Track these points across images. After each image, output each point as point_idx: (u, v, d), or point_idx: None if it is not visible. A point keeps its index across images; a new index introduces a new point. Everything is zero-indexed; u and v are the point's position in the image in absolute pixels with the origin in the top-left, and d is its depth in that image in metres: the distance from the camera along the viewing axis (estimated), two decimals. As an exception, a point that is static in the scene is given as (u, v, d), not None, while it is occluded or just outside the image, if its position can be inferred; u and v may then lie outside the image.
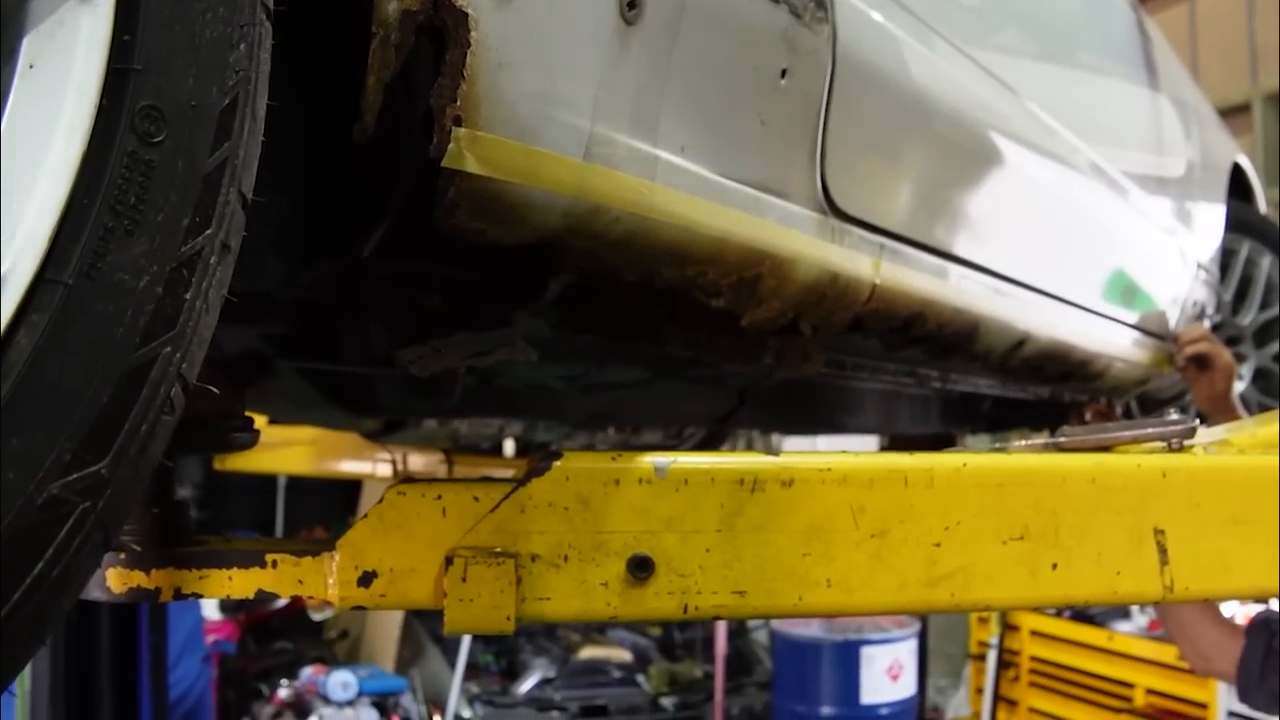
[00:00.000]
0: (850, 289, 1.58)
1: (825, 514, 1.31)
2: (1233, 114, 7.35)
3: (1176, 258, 2.95)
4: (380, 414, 1.98)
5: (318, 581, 1.28)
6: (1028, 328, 2.09)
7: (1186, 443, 1.47)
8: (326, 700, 6.23)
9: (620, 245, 1.26)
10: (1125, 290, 2.66)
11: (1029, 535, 1.35)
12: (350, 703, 6.25)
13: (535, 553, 1.25)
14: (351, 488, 9.60)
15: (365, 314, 1.39)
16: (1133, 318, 2.70)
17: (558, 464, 1.27)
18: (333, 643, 8.68)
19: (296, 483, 11.18)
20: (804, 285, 1.49)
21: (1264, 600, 2.72)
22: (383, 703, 6.40)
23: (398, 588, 1.24)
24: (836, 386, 2.18)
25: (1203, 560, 1.41)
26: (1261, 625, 2.61)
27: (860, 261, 1.60)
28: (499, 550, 1.24)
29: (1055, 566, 1.35)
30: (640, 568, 1.27)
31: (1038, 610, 6.87)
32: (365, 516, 1.25)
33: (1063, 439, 1.47)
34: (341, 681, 6.26)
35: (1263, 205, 4.01)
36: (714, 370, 1.87)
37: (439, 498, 1.26)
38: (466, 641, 6.67)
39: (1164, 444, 1.47)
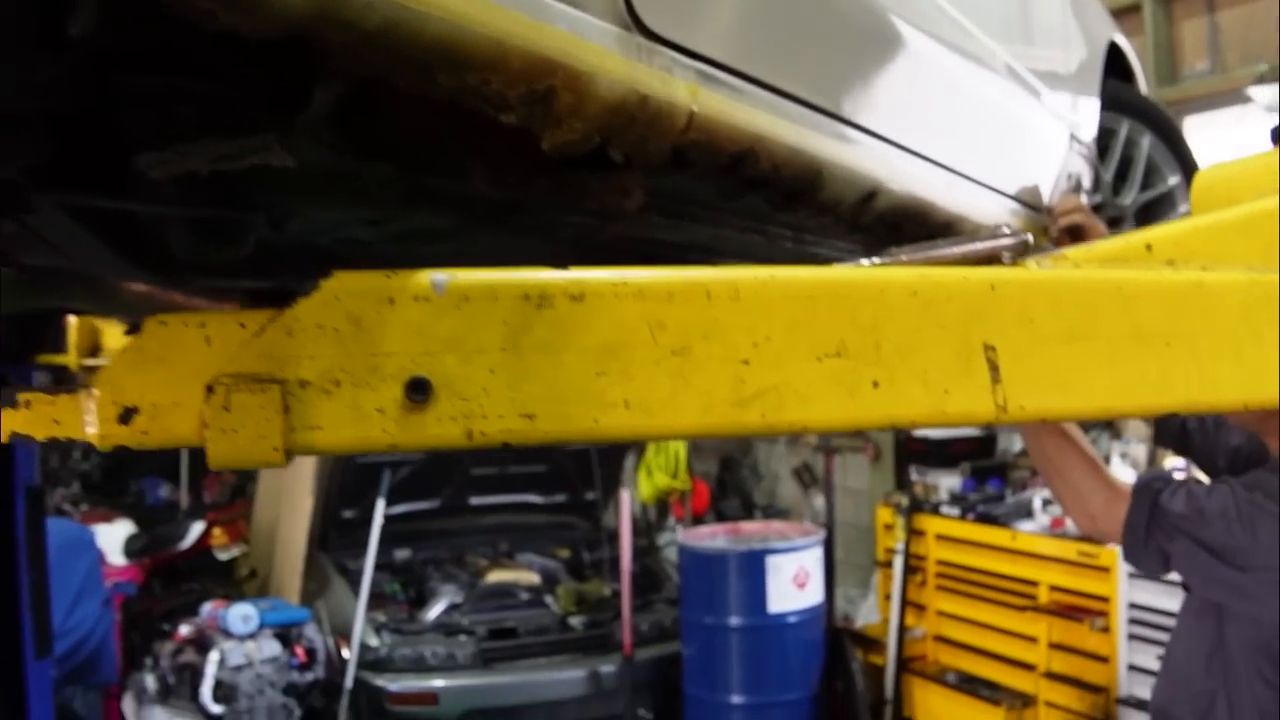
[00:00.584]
0: (664, 114, 1.44)
1: (621, 330, 1.19)
2: (1123, 14, 7.30)
3: (1051, 127, 2.85)
4: (174, 270, 1.84)
5: (74, 421, 1.16)
6: (879, 179, 1.97)
7: (1021, 259, 1.37)
8: (228, 634, 6.09)
9: (380, 40, 1.12)
10: (994, 153, 2.56)
11: (846, 352, 1.24)
12: (252, 635, 6.12)
13: (304, 379, 1.13)
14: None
15: (120, 136, 1.25)
16: (1003, 184, 2.61)
17: (326, 283, 1.15)
18: (242, 582, 8.53)
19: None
20: (607, 105, 1.36)
21: (1105, 422, 2.66)
22: (285, 634, 6.28)
23: (160, 424, 1.12)
24: (679, 245, 2.05)
25: (1038, 378, 1.31)
26: (1145, 487, 2.55)
27: (674, 86, 1.46)
28: (263, 376, 1.11)
29: (876, 385, 1.25)
30: (417, 390, 1.15)
31: (943, 515, 6.88)
32: (124, 350, 1.12)
33: (887, 258, 1.36)
34: (242, 615, 6.12)
35: (1144, 87, 3.93)
36: (538, 219, 1.74)
37: (203, 325, 1.14)
38: (369, 569, 6.54)
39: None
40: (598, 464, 7.53)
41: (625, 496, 6.74)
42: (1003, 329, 1.30)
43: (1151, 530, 2.51)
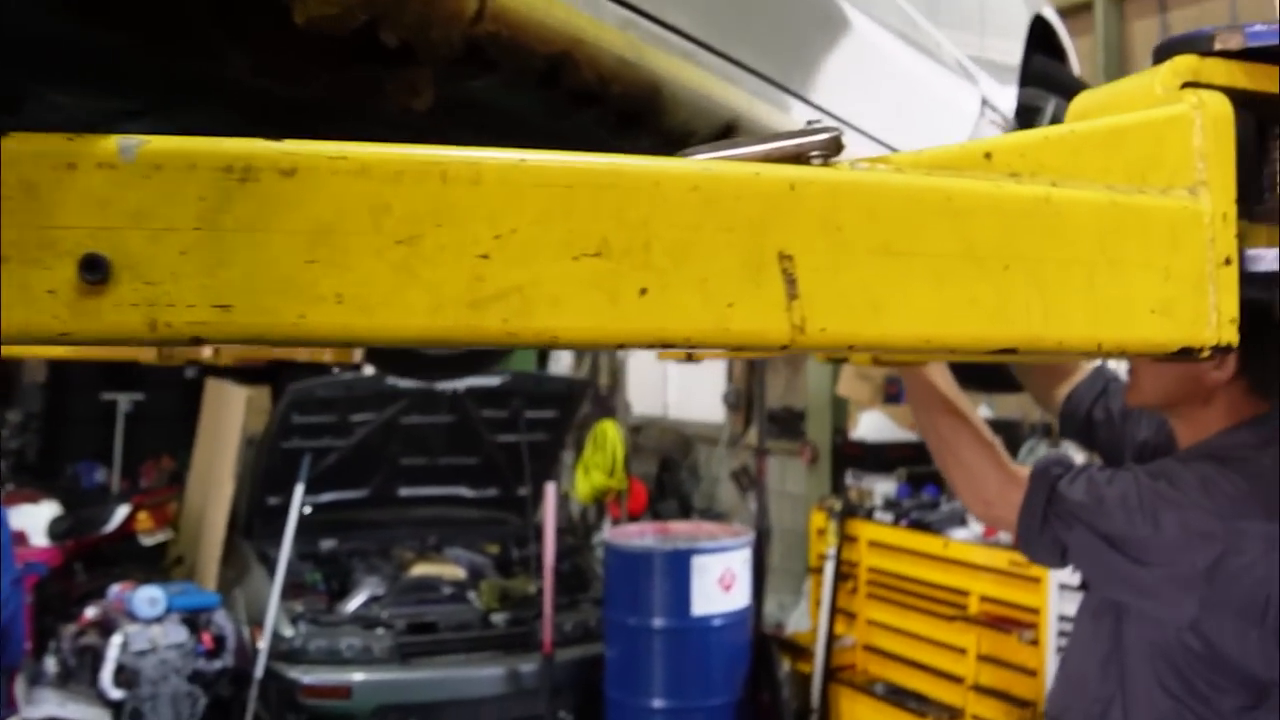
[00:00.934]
0: (445, -1, 1.25)
1: (338, 212, 1.00)
2: (1074, 13, 7.16)
3: (957, 88, 2.68)
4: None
5: None
6: (739, 110, 1.79)
7: (833, 160, 1.18)
8: (133, 618, 5.86)
9: None
10: (879, 101, 2.38)
11: (609, 252, 1.05)
12: (159, 619, 5.89)
13: (-32, 252, 0.93)
14: (193, 417, 9.21)
15: None
16: (894, 139, 2.44)
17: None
18: (169, 568, 8.31)
19: (139, 412, 10.76)
20: (366, -26, 1.17)
21: (1044, 429, 2.49)
22: (194, 620, 6.06)
23: None
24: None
25: (845, 297, 1.12)
26: (1043, 472, 2.37)
27: (455, -34, 1.27)
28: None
29: (644, 292, 1.06)
30: (92, 269, 0.95)
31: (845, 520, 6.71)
32: None
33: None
34: (148, 597, 5.90)
35: (1076, 68, 3.78)
36: (334, 125, 1.54)
37: None
38: (285, 556, 6.34)
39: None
40: (529, 458, 7.32)
41: (550, 490, 6.54)
42: (803, 237, 1.11)
43: (1048, 518, 2.33)
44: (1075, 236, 1.23)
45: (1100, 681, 2.44)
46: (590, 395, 10.24)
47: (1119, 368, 2.88)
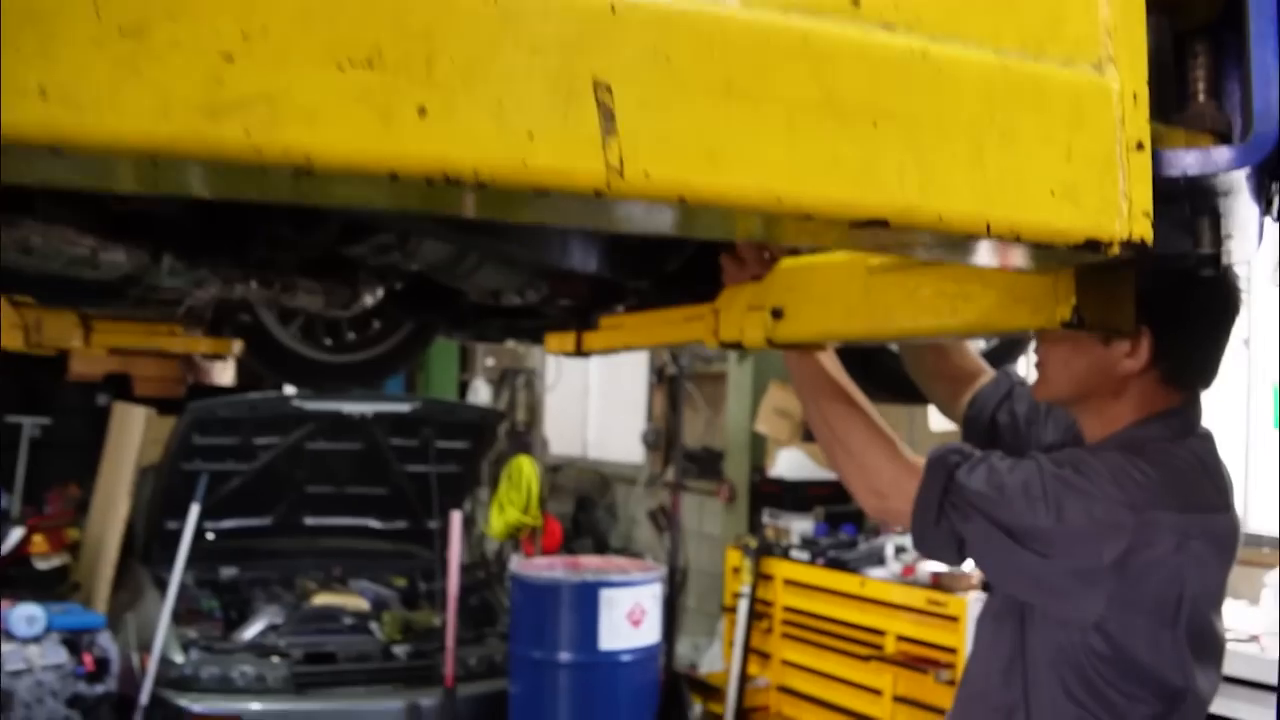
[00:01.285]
0: None
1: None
2: None
3: None
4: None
5: None
6: None
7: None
8: (10, 636, 5.54)
9: None
10: None
11: (383, 62, 0.86)
12: (37, 639, 5.57)
13: None
14: (103, 445, 8.87)
15: None
16: None
17: None
18: (67, 594, 7.95)
19: (47, 438, 10.37)
20: None
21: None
22: (76, 641, 5.74)
23: None
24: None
25: (673, 138, 0.94)
26: (939, 460, 2.18)
27: None
28: None
29: (423, 112, 0.87)
30: None
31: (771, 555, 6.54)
32: None
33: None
34: (26, 615, 5.59)
35: None
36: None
37: None
38: (176, 578, 6.05)
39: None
40: (439, 490, 7.08)
41: (455, 519, 6.31)
42: (625, 65, 0.93)
43: (944, 509, 2.14)
44: (959, 100, 1.06)
45: (1002, 690, 2.25)
46: (507, 431, 10.03)
47: (1026, 372, 2.72)
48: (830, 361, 2.36)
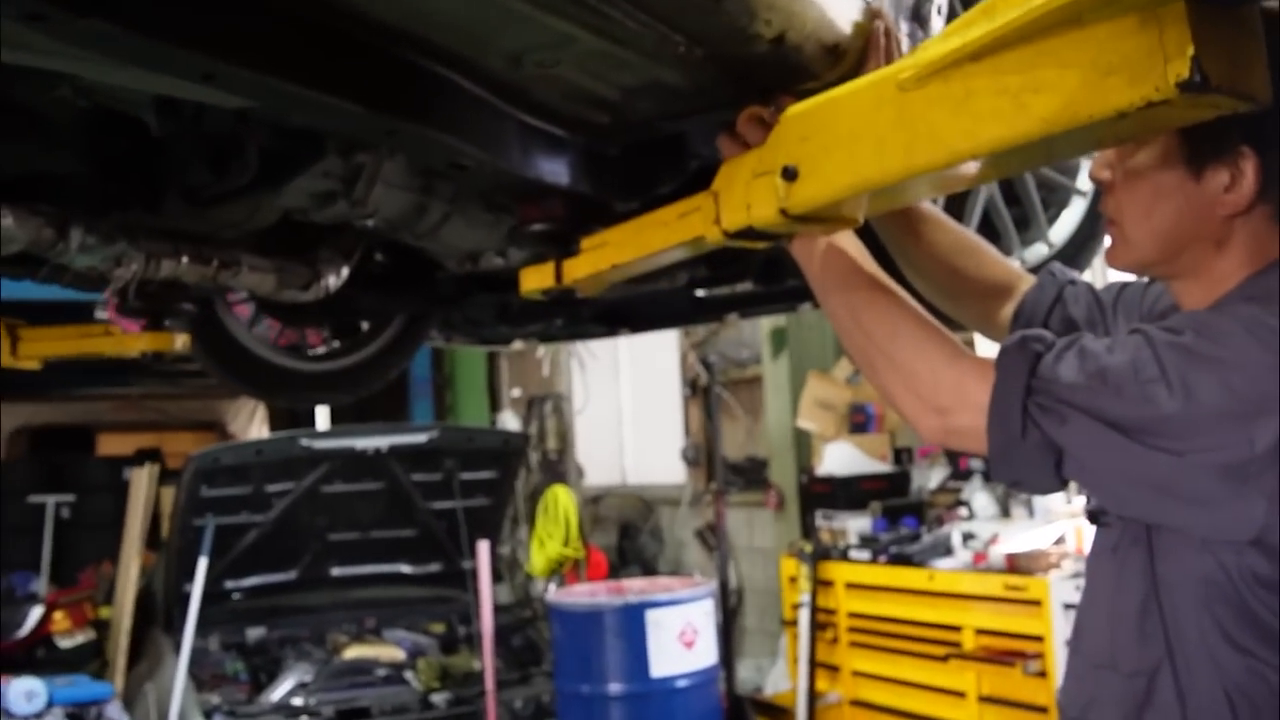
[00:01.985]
0: None
1: None
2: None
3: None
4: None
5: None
6: None
7: None
8: (8, 714, 5.07)
9: None
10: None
11: None
12: (39, 715, 5.09)
13: None
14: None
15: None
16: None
17: None
18: (97, 671, 7.51)
19: (75, 518, 10.01)
20: None
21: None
22: (82, 715, 5.26)
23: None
24: None
25: None
26: (1016, 349, 1.62)
27: None
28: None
29: None
30: None
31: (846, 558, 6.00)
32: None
33: None
34: (25, 690, 5.14)
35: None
36: None
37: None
38: (188, 640, 5.60)
39: None
40: (469, 525, 6.56)
41: (483, 550, 5.81)
42: None
43: (1030, 414, 1.58)
44: None
45: (1137, 648, 1.68)
46: (539, 461, 9.51)
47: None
48: (854, 246, 1.84)
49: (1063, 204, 2.74)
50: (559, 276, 2.24)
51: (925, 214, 2.06)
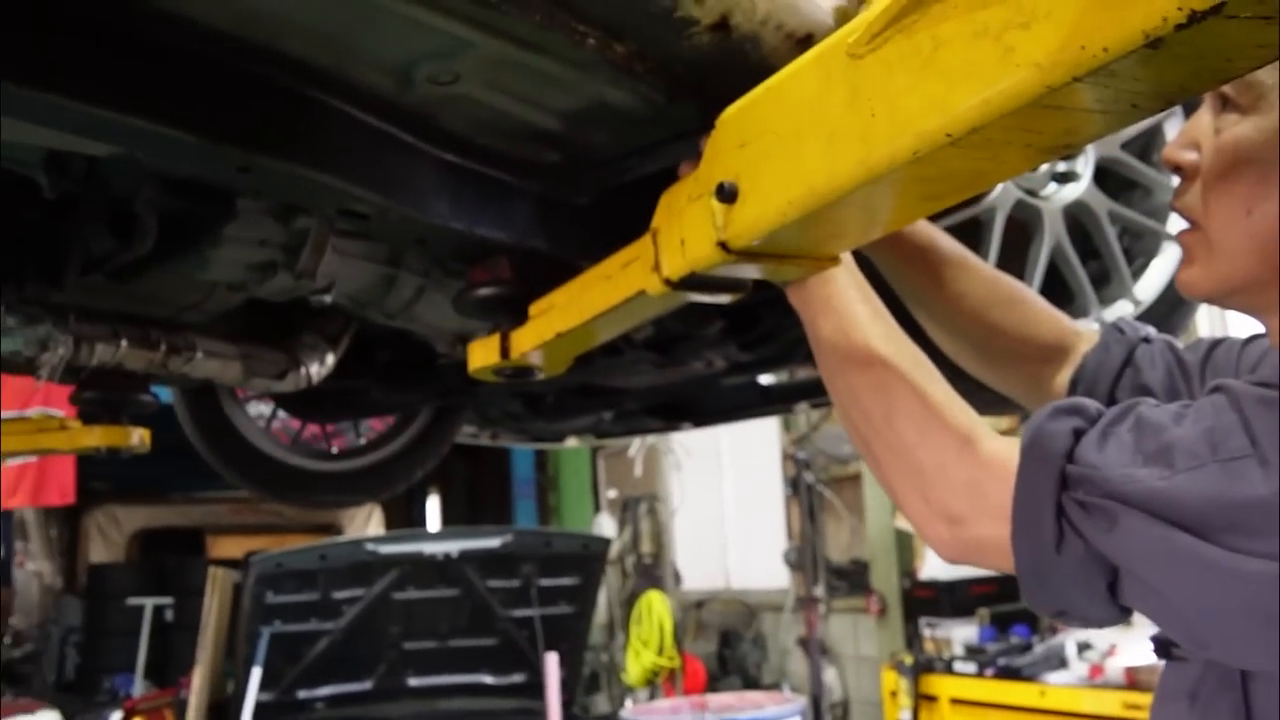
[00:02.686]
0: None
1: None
2: None
3: None
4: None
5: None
6: None
7: None
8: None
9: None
10: None
11: None
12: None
13: None
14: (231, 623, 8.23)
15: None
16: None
17: None
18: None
19: (178, 620, 9.86)
20: None
21: None
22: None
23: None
24: None
25: None
26: (1043, 434, 1.12)
27: None
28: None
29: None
30: None
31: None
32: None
33: None
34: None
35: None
36: None
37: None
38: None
39: None
40: (550, 635, 6.10)
41: (552, 662, 5.34)
42: None
43: (1067, 515, 1.07)
44: None
45: None
46: (634, 565, 9.01)
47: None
48: (850, 289, 1.36)
49: (1151, 252, 2.21)
50: (505, 351, 1.78)
51: (950, 255, 1.57)
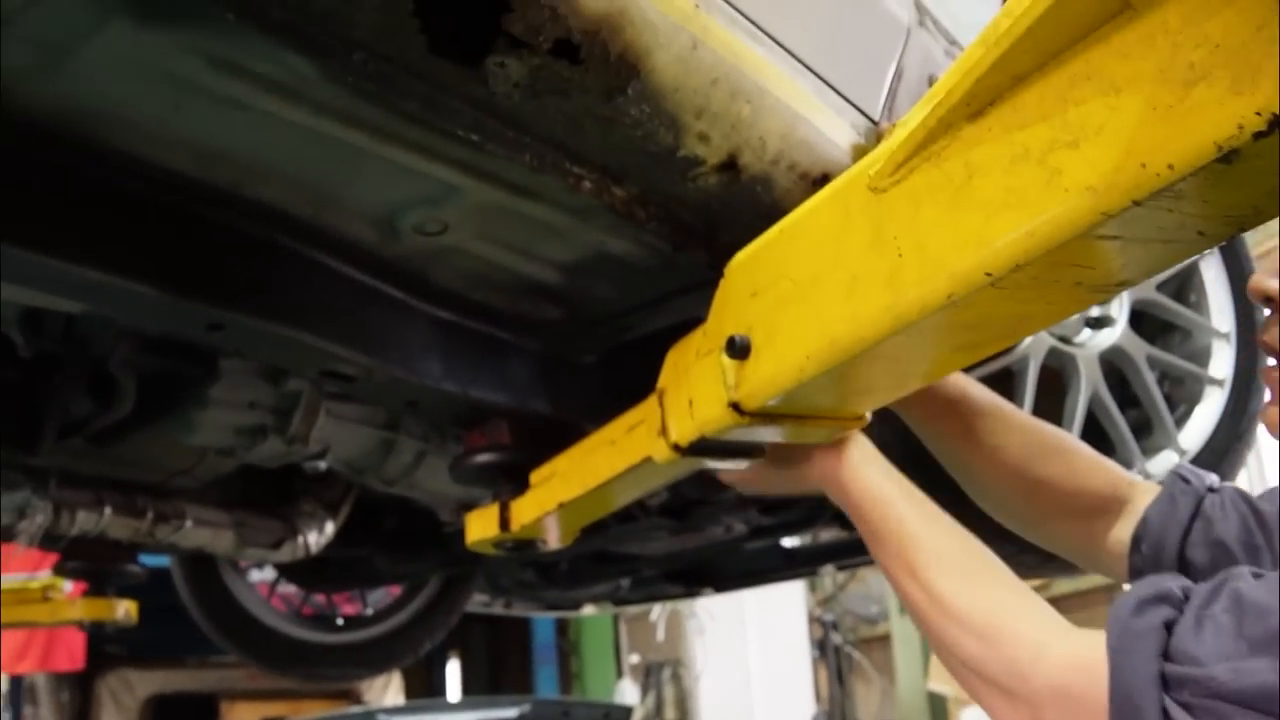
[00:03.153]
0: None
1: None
2: None
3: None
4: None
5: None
6: None
7: None
8: None
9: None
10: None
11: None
12: None
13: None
14: None
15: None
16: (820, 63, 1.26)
17: None
18: None
19: None
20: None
21: None
22: None
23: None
24: None
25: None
26: (1134, 612, 0.94)
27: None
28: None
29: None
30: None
31: None
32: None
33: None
34: None
35: None
36: None
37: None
38: None
39: None
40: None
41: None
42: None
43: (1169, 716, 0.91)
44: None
45: None
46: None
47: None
48: (875, 460, 1.22)
49: (1193, 399, 2.06)
50: (505, 523, 1.63)
51: (984, 406, 1.41)
